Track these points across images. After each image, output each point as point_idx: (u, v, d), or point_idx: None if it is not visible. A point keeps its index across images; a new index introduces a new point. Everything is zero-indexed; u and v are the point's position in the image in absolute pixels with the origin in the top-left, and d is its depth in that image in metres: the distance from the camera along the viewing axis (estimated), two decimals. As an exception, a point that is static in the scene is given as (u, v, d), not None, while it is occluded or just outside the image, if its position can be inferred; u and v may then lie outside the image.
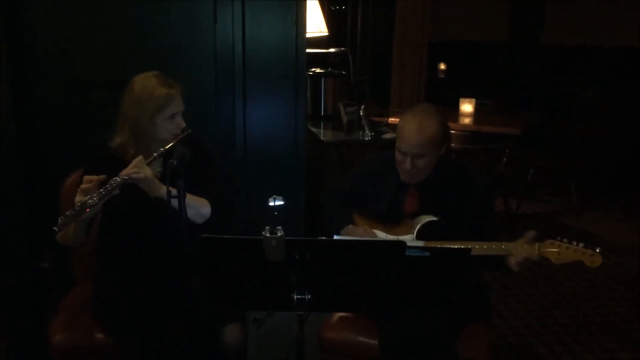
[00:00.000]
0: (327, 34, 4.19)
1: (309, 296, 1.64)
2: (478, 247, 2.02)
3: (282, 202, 1.61)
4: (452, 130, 4.51)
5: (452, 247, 1.72)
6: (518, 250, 1.98)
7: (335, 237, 1.77)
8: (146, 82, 2.07)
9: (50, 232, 1.88)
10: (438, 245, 2.06)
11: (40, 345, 2.61)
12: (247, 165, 2.74)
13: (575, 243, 1.96)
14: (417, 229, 2.18)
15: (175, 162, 1.72)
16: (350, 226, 2.26)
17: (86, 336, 2.10)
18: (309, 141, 3.62)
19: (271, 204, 1.61)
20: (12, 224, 2.56)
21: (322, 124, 3.94)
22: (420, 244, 1.82)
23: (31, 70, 2.54)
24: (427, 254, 1.59)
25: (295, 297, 1.64)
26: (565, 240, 1.96)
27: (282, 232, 1.53)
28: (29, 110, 2.56)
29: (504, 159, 4.59)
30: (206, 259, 1.61)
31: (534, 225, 1.86)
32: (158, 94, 2.05)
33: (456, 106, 5.11)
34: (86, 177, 1.92)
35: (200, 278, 1.74)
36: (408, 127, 2.13)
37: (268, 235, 1.52)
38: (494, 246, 2.02)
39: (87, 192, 1.89)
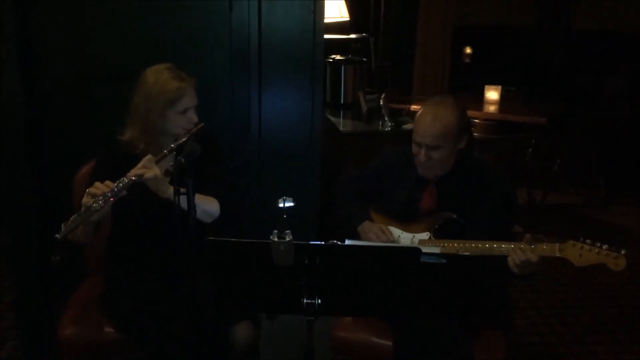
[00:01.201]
0: (348, 19, 4.08)
1: (319, 301, 1.58)
2: (488, 247, 1.94)
3: (292, 204, 1.55)
4: (476, 119, 4.39)
5: (466, 254, 1.64)
6: (516, 252, 1.88)
7: (347, 241, 1.70)
8: (157, 76, 2.01)
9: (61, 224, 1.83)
10: (453, 244, 1.99)
11: (53, 340, 2.61)
12: (261, 157, 2.66)
13: (598, 244, 1.85)
14: (434, 227, 2.11)
15: (183, 160, 1.66)
16: (366, 223, 2.20)
17: (95, 331, 2.08)
18: (327, 131, 3.55)
19: (281, 205, 1.55)
20: (23, 218, 2.54)
21: (341, 113, 3.85)
22: (437, 250, 1.75)
23: (40, 61, 2.49)
24: (444, 261, 1.51)
25: (304, 301, 1.58)
26: (588, 241, 1.86)
27: (291, 237, 1.46)
28: (39, 101, 2.51)
29: (530, 150, 4.45)
30: (213, 262, 1.55)
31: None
32: (169, 88, 1.99)
33: (481, 93, 4.97)
34: (97, 184, 1.86)
35: (208, 278, 1.68)
36: (423, 117, 2.07)
37: (276, 239, 1.46)
38: (503, 246, 1.93)
39: (94, 195, 1.84)
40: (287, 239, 1.45)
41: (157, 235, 2.06)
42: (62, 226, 1.80)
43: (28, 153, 2.49)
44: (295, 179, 2.71)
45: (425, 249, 1.50)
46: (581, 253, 1.85)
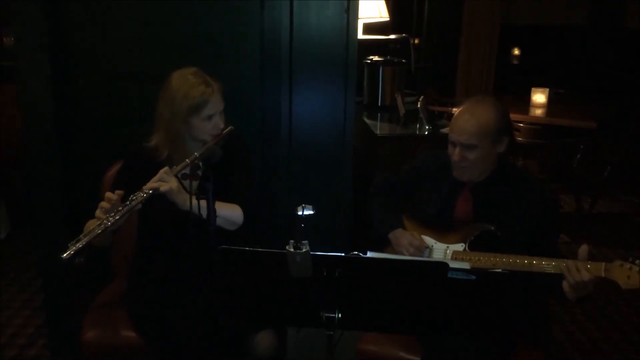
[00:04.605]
0: (387, 19, 3.97)
1: (340, 315, 1.50)
2: (527, 262, 1.82)
3: (311, 212, 1.46)
4: (521, 122, 4.21)
5: (499, 271, 1.52)
6: (571, 271, 1.73)
7: (369, 253, 1.62)
8: (182, 81, 1.94)
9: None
10: (489, 258, 1.87)
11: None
12: (292, 161, 2.59)
13: None
14: (470, 239, 1.99)
15: (200, 164, 1.60)
16: (399, 230, 2.10)
17: (116, 335, 2.05)
18: (362, 134, 3.45)
19: (299, 213, 1.46)
20: (53, 220, 2.54)
21: (379, 115, 3.74)
22: (466, 265, 1.63)
23: (72, 62, 2.49)
24: (473, 277, 1.40)
25: (324, 315, 1.50)
26: (637, 261, 1.71)
27: (308, 247, 1.38)
28: (69, 102, 2.51)
29: (578, 155, 4.24)
30: (227, 272, 1.49)
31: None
32: (193, 94, 1.92)
33: (529, 96, 4.77)
34: (108, 195, 1.81)
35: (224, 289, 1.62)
36: (460, 115, 1.97)
37: (292, 250, 1.38)
38: (543, 262, 1.80)
39: (106, 210, 1.78)
40: (304, 250, 1.37)
41: (180, 242, 2.01)
42: (69, 246, 1.71)
43: (58, 155, 2.49)
44: (327, 184, 2.63)
45: (453, 264, 1.39)
46: (629, 275, 1.70)
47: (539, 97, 4.70)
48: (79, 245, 1.70)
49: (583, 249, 1.76)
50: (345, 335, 2.01)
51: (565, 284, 1.74)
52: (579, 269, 1.72)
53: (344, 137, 2.59)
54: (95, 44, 2.50)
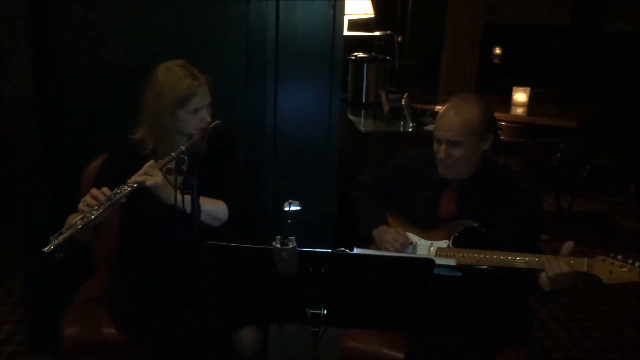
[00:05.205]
0: (372, 15, 3.97)
1: (325, 311, 1.49)
2: (510, 259, 1.82)
3: (298, 208, 1.45)
4: (502, 121, 4.24)
5: (484, 268, 1.53)
6: (552, 265, 1.75)
7: (355, 249, 1.61)
8: (169, 73, 1.91)
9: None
10: (473, 255, 1.88)
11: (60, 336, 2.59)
12: (276, 156, 2.58)
13: (630, 261, 1.72)
14: (454, 235, 2.00)
15: (185, 158, 1.58)
16: (382, 227, 2.11)
17: (96, 331, 2.02)
18: (346, 131, 3.45)
19: (286, 209, 1.45)
20: (34, 213, 2.51)
21: (362, 112, 3.74)
22: (452, 262, 1.64)
23: (56, 53, 2.45)
24: (459, 274, 1.40)
25: (309, 311, 1.49)
26: (619, 257, 1.73)
27: (295, 243, 1.37)
28: (52, 95, 2.48)
29: (558, 154, 4.28)
30: (213, 267, 1.47)
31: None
32: (179, 87, 1.89)
33: (509, 94, 4.82)
34: (93, 191, 1.78)
35: (210, 283, 1.61)
36: (445, 112, 1.98)
37: (279, 246, 1.37)
38: (526, 258, 1.81)
39: (90, 204, 1.75)
40: (291, 246, 1.36)
41: (164, 237, 1.99)
42: (51, 239, 1.69)
43: (43, 150, 2.46)
44: (312, 179, 2.63)
45: (439, 261, 1.39)
46: (611, 270, 1.73)
47: (520, 95, 4.76)
48: (61, 239, 1.67)
49: (567, 245, 1.78)
50: (329, 332, 2.02)
51: (542, 275, 1.76)
52: (561, 264, 1.73)
53: (329, 133, 2.58)
54: (81, 38, 2.46)
